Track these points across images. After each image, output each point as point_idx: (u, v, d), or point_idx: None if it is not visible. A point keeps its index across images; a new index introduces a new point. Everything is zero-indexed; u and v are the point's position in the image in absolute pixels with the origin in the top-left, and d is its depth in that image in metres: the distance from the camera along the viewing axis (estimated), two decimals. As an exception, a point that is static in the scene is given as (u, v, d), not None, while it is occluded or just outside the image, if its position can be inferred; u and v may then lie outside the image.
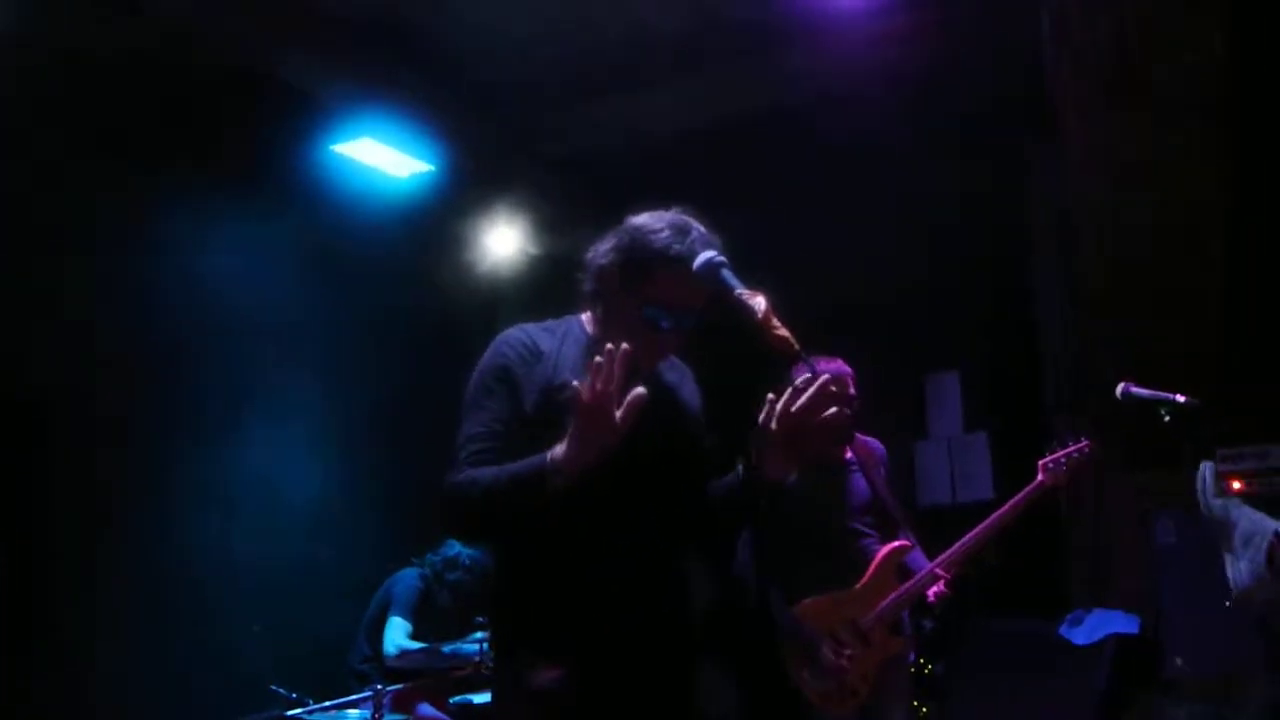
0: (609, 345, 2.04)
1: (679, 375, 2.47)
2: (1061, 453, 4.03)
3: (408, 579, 5.37)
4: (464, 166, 6.43)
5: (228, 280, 5.57)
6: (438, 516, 2.26)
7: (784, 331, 2.03)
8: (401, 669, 5.02)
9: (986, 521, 4.04)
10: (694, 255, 2.22)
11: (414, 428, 6.39)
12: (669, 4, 5.63)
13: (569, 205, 6.87)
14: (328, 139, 5.93)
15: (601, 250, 2.35)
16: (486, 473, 2.17)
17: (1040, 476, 4.04)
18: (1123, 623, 5.34)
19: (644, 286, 2.26)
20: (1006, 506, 4.04)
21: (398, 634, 5.15)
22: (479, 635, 4.66)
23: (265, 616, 5.43)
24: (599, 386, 2.01)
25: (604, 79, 6.19)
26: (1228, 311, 4.93)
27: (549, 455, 2.10)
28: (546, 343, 2.33)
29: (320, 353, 6.10)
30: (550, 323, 2.42)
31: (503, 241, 7.02)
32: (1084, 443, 4.04)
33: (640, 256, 2.27)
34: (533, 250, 7.10)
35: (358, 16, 5.55)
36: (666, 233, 2.26)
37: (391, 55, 5.83)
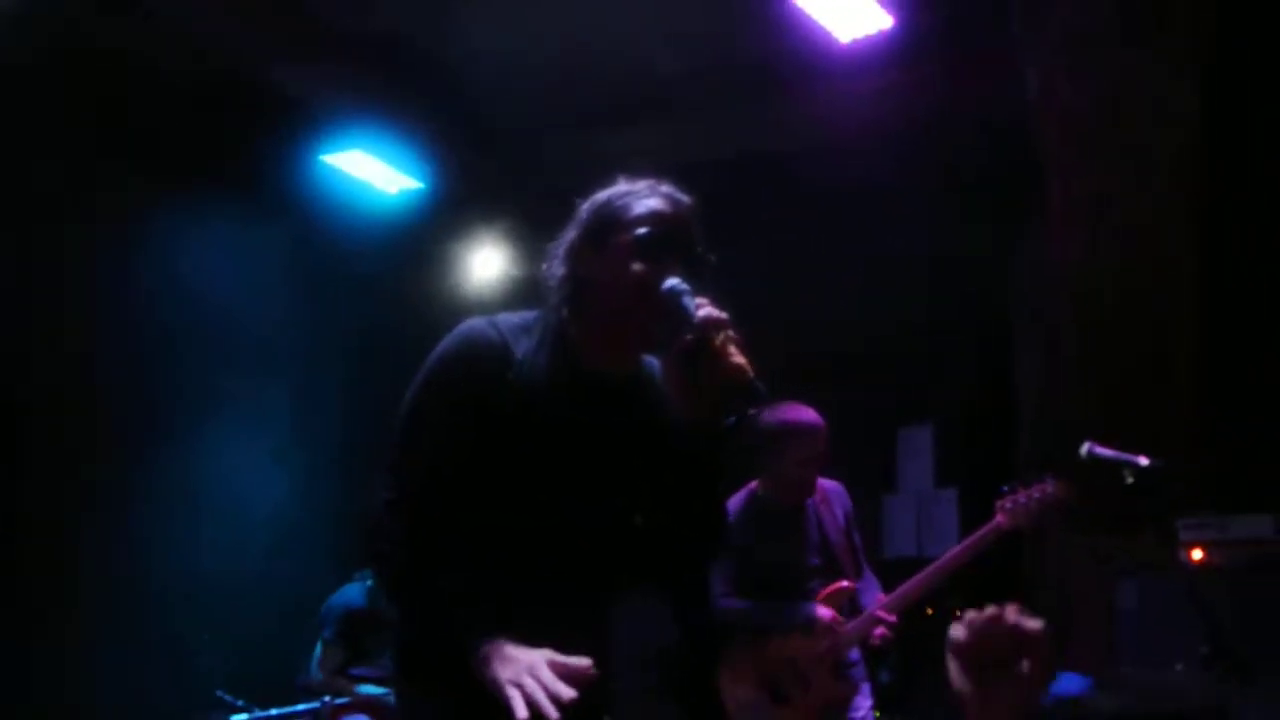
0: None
1: (650, 404, 2.16)
2: (1022, 493, 3.82)
3: (341, 597, 5.30)
4: (453, 187, 6.46)
5: (207, 284, 5.56)
6: (367, 542, 2.08)
7: (740, 359, 1.90)
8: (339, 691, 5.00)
9: (936, 563, 3.91)
10: (652, 187, 2.11)
11: (384, 447, 6.37)
12: (669, 45, 5.70)
13: (555, 233, 6.89)
14: (319, 148, 5.95)
15: (561, 242, 2.16)
16: (399, 559, 2.02)
17: (998, 518, 3.82)
18: (1076, 683, 5.33)
19: (619, 227, 2.07)
20: (958, 548, 3.90)
21: (315, 660, 5.13)
22: None
23: (222, 625, 5.38)
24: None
25: (599, 112, 6.24)
26: (1198, 377, 4.98)
27: (481, 646, 1.92)
28: (521, 347, 2.10)
29: (295, 364, 6.09)
30: (529, 317, 2.17)
31: (486, 265, 7.03)
32: (1047, 483, 3.82)
33: (603, 209, 2.11)
34: (515, 275, 7.12)
35: (359, 31, 5.59)
36: (617, 185, 2.14)
37: (389, 72, 5.86)
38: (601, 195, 2.13)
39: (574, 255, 2.11)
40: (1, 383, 5.13)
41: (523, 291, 7.21)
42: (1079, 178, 5.16)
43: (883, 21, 5.34)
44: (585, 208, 2.14)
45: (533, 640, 1.97)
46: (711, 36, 5.66)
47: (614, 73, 5.92)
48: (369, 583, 5.30)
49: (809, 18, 5.32)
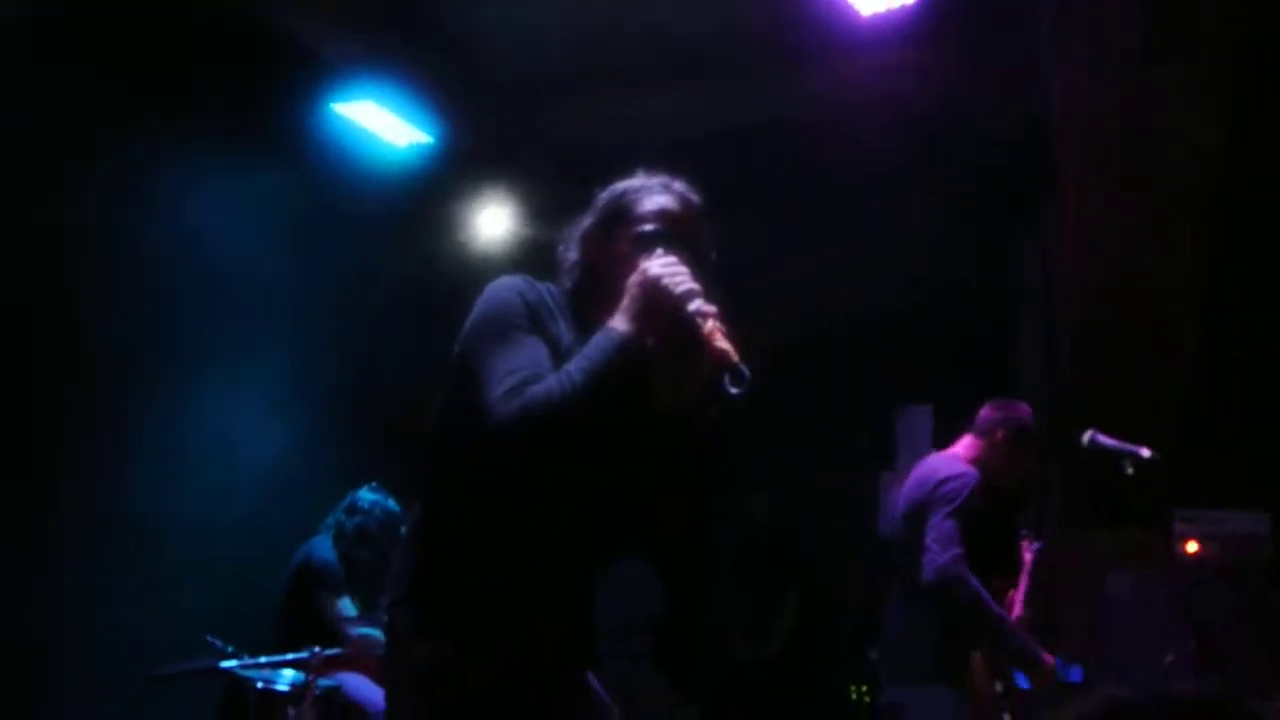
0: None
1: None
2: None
3: (324, 551, 5.26)
4: (462, 143, 6.41)
5: (211, 232, 5.52)
6: (499, 445, 2.02)
7: (725, 344, 1.98)
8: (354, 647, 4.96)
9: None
10: (665, 184, 2.25)
11: (379, 399, 6.38)
12: (687, 8, 5.62)
13: (562, 194, 6.85)
14: (330, 97, 5.89)
15: (576, 226, 2.30)
16: (549, 381, 2.01)
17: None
18: (1068, 673, 5.36)
19: (628, 220, 2.22)
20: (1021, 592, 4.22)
21: (349, 616, 5.08)
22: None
23: (211, 571, 5.37)
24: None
25: (612, 74, 6.17)
26: (1197, 376, 4.99)
27: (608, 327, 2.04)
28: (554, 300, 2.22)
29: (294, 313, 6.05)
30: (551, 287, 2.28)
31: (492, 222, 6.99)
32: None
33: (616, 200, 2.26)
34: (521, 234, 7.08)
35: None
36: (632, 178, 2.29)
37: (403, 24, 5.79)
38: (618, 186, 2.27)
39: (586, 241, 2.26)
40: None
41: (527, 250, 7.18)
42: (1092, 183, 5.14)
43: (905, -2, 5.27)
44: (601, 196, 2.29)
45: (528, 594, 2.13)
46: (728, 2, 5.58)
47: (628, 36, 5.85)
48: (335, 533, 5.26)
49: (832, -12, 5.25)
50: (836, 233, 6.69)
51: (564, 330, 2.17)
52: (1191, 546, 4.62)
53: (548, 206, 6.90)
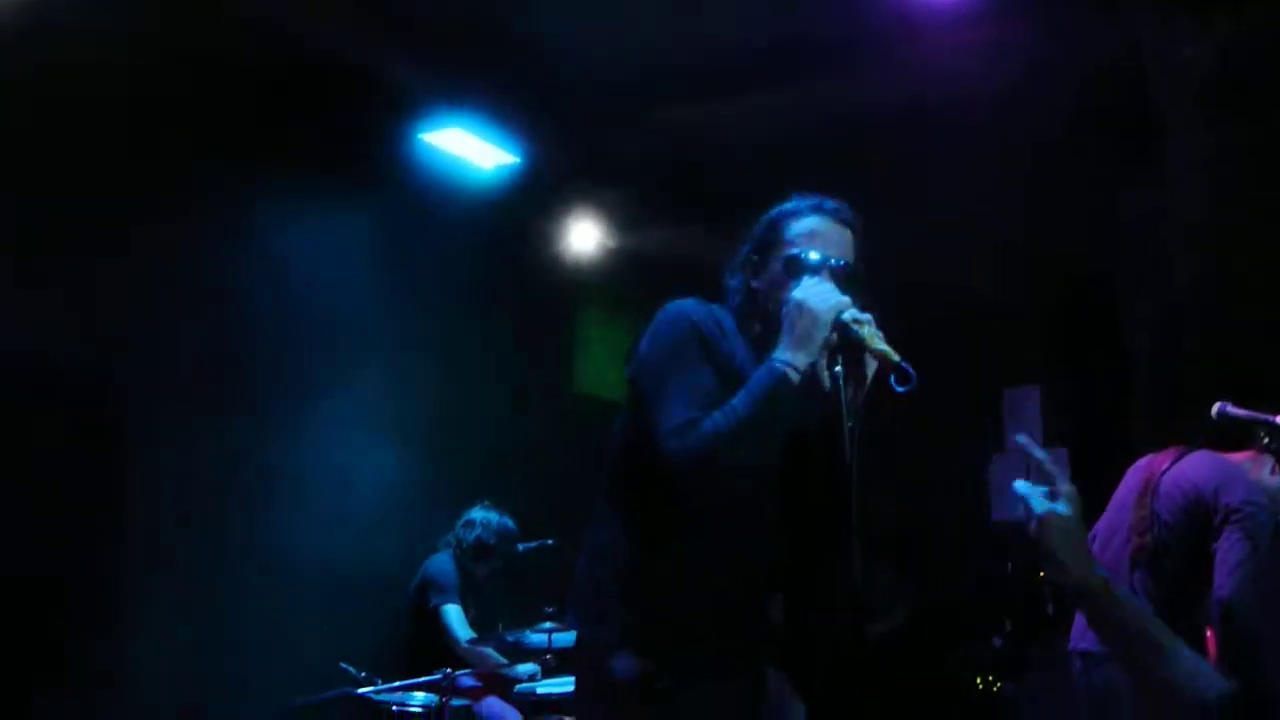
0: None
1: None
2: None
3: (441, 563, 5.36)
4: (548, 161, 6.47)
5: (309, 267, 5.63)
6: (675, 479, 2.16)
7: (884, 346, 2.12)
8: (467, 658, 5.04)
9: None
10: (816, 205, 2.38)
11: (486, 422, 6.46)
12: (762, 13, 5.61)
13: (649, 204, 6.87)
14: (416, 128, 6.01)
15: (738, 253, 2.43)
16: (716, 417, 2.14)
17: None
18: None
19: (778, 245, 2.35)
20: None
21: (458, 623, 5.16)
22: (547, 625, 4.65)
23: (329, 606, 5.47)
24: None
25: (691, 83, 6.17)
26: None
27: (774, 360, 2.15)
28: (727, 322, 2.35)
29: (395, 342, 6.15)
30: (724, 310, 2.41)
31: (583, 237, 7.05)
32: None
33: (767, 226, 2.39)
34: (612, 247, 7.12)
35: (450, 10, 5.61)
36: (786, 203, 2.41)
37: (482, 49, 5.87)
38: (772, 212, 2.41)
39: (746, 267, 2.40)
40: (105, 367, 5.15)
41: (619, 264, 7.21)
42: (1198, 131, 4.96)
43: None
44: (758, 223, 2.42)
45: (716, 608, 2.25)
46: (803, 3, 5.55)
47: (706, 43, 5.84)
48: (455, 550, 5.35)
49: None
50: (934, 218, 6.60)
51: (738, 349, 2.31)
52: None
53: (635, 218, 6.93)
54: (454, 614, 5.18)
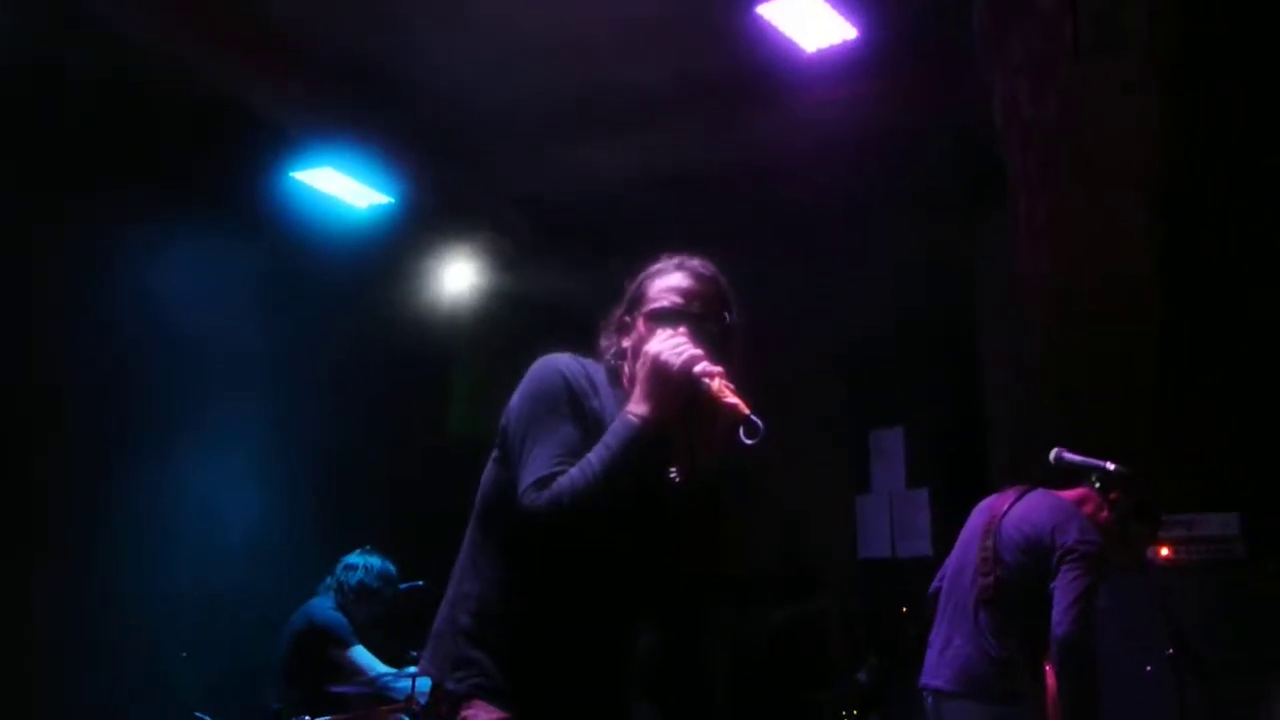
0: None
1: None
2: None
3: (326, 609, 5.25)
4: (422, 201, 6.48)
5: (180, 301, 5.54)
6: (538, 532, 2.20)
7: (734, 399, 2.16)
8: (338, 698, 4.94)
9: None
10: (679, 263, 2.42)
11: (359, 460, 6.40)
12: (636, 58, 5.73)
13: (525, 245, 6.93)
14: (288, 166, 5.96)
15: (612, 313, 2.47)
16: (573, 472, 2.18)
17: None
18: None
19: (642, 301, 2.41)
20: None
21: (371, 660, 5.06)
22: (411, 670, 4.59)
23: (200, 644, 5.33)
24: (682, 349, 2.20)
25: (566, 124, 6.27)
26: (1162, 381, 5.07)
27: (626, 413, 2.20)
28: (597, 376, 2.39)
29: (268, 379, 6.07)
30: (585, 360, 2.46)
31: (458, 277, 7.05)
32: None
33: (635, 284, 2.45)
34: (487, 287, 7.14)
35: (325, 50, 5.60)
36: (654, 263, 2.46)
37: (356, 89, 5.87)
38: (641, 272, 2.47)
39: (617, 326, 2.46)
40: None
41: (493, 303, 7.23)
42: (1043, 191, 5.24)
43: (847, 32, 5.39)
44: (629, 283, 2.48)
45: (576, 660, 2.28)
46: (677, 49, 5.69)
47: (581, 85, 5.95)
48: (335, 595, 5.26)
49: (774, 29, 5.37)
50: (799, 264, 6.80)
51: (608, 404, 2.34)
52: (1164, 551, 4.70)
53: (511, 257, 6.97)
54: (363, 654, 5.08)
